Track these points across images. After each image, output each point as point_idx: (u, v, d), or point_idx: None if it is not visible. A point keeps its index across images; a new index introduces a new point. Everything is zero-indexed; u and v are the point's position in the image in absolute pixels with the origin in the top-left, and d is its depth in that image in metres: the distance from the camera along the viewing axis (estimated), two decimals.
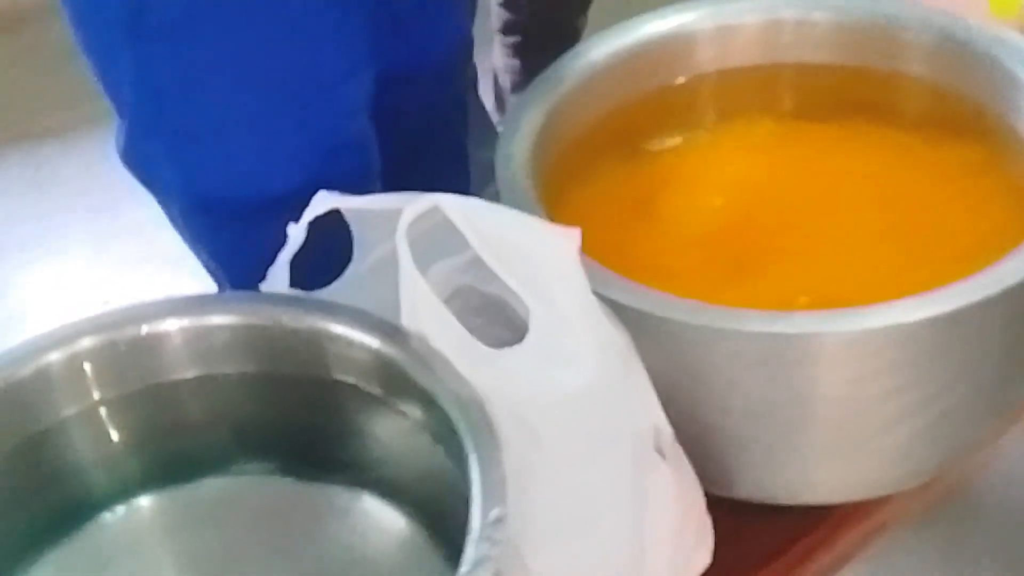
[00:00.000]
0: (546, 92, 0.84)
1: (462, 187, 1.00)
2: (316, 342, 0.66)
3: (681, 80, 0.89)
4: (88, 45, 0.83)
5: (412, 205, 0.65)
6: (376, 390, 0.66)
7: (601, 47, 0.86)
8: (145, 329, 0.66)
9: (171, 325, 0.66)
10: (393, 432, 0.67)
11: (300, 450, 0.70)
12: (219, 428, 0.69)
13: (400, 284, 0.65)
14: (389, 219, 0.73)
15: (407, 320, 0.67)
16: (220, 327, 0.67)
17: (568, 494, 0.65)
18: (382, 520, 0.69)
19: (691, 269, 0.79)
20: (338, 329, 0.66)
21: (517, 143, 0.80)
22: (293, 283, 0.75)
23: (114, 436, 0.67)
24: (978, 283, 0.69)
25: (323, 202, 0.74)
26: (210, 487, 0.68)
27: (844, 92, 0.88)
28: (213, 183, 0.83)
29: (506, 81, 1.94)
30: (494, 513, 0.56)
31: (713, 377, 0.71)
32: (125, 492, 0.68)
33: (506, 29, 1.85)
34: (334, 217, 0.76)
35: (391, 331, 0.66)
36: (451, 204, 0.65)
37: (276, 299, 0.70)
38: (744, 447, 0.74)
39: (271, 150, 0.83)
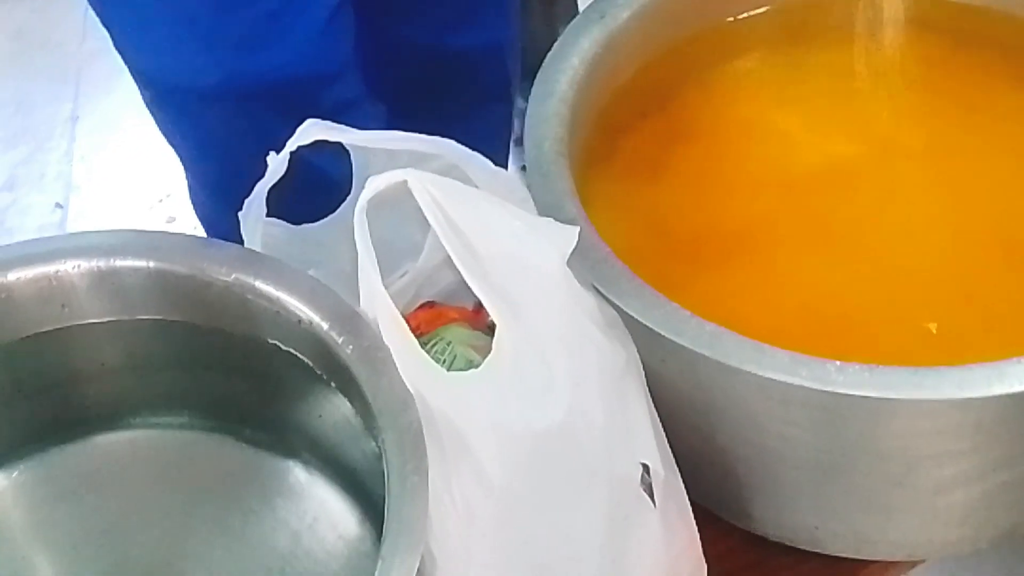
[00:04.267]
0: (586, 36, 0.69)
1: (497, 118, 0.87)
2: (252, 302, 0.57)
3: (742, 16, 0.73)
4: None
5: (376, 179, 0.54)
6: (311, 363, 0.58)
7: None
8: (47, 269, 0.58)
9: (74, 266, 0.58)
10: (327, 409, 0.60)
11: (227, 409, 0.63)
12: (130, 376, 0.61)
13: (359, 271, 0.55)
14: (390, 155, 0.63)
15: (365, 306, 0.57)
16: (135, 270, 0.58)
17: (525, 539, 0.55)
18: (309, 490, 0.62)
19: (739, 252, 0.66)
20: (275, 292, 0.57)
21: (549, 105, 0.67)
22: (283, 213, 0.66)
23: (6, 383, 0.60)
24: None
25: (309, 131, 0.63)
26: (116, 440, 0.62)
27: (964, 43, 0.71)
28: (150, 70, 0.79)
29: None
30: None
31: (748, 417, 0.60)
32: (22, 442, 0.62)
33: None
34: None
35: (340, 311, 0.56)
36: (422, 183, 0.53)
37: (221, 248, 0.60)
38: (774, 487, 0.63)
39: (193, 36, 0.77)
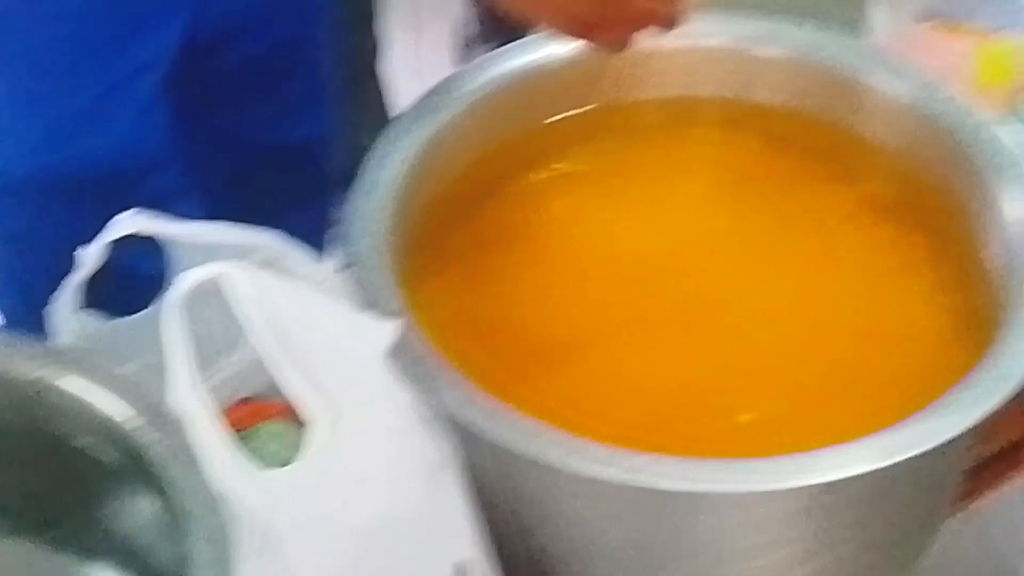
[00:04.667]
0: (411, 135, 0.70)
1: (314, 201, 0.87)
2: (48, 398, 0.55)
3: (565, 115, 0.75)
4: None
5: (188, 275, 0.53)
6: (119, 462, 0.56)
7: (480, 75, 0.72)
8: None
9: None
10: (134, 509, 0.58)
11: (29, 509, 0.59)
12: None
13: (167, 367, 0.54)
14: (208, 249, 0.62)
15: (175, 402, 0.55)
16: None
17: None
18: None
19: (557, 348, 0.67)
20: (78, 389, 0.55)
21: (373, 199, 0.67)
22: (100, 306, 0.65)
23: None
24: (868, 451, 0.57)
25: (123, 224, 0.62)
26: None
27: (775, 144, 0.75)
28: None
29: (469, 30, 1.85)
30: None
31: (564, 513, 0.60)
32: None
33: None
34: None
35: (150, 408, 0.55)
36: (234, 278, 0.53)
37: (26, 345, 0.58)
38: None
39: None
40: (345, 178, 0.69)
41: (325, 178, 0.88)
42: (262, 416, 0.67)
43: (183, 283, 0.52)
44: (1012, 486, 1.18)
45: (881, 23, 0.79)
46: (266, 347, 0.52)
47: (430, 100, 0.72)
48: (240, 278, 0.52)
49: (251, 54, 0.79)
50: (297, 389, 0.52)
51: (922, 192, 0.72)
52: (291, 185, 0.83)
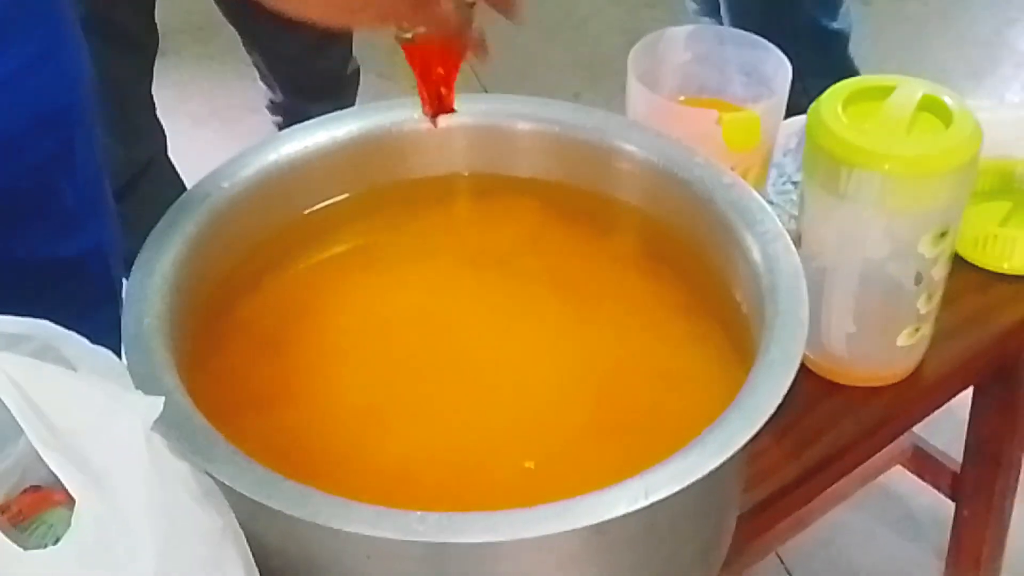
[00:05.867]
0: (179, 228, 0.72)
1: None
2: None
3: (329, 201, 0.78)
4: None
5: None
6: None
7: (238, 171, 0.75)
8: None
9: None
10: None
11: None
12: None
13: None
14: None
15: None
16: None
17: None
18: None
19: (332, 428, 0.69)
20: None
21: (148, 284, 0.68)
22: None
23: None
24: (629, 491, 0.59)
25: None
26: None
27: (538, 212, 0.79)
28: None
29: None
30: None
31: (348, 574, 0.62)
32: None
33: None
34: None
35: None
36: None
37: None
38: None
39: None
40: None
41: (112, 282, 0.88)
42: (48, 504, 0.67)
43: None
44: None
45: (635, 101, 0.85)
46: (33, 432, 0.53)
47: (199, 190, 0.74)
48: (6, 364, 0.54)
49: (9, 175, 0.78)
50: (63, 470, 0.53)
51: (678, 247, 0.77)
52: (75, 294, 0.82)
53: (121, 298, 0.91)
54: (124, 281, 0.89)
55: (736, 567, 0.80)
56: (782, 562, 1.46)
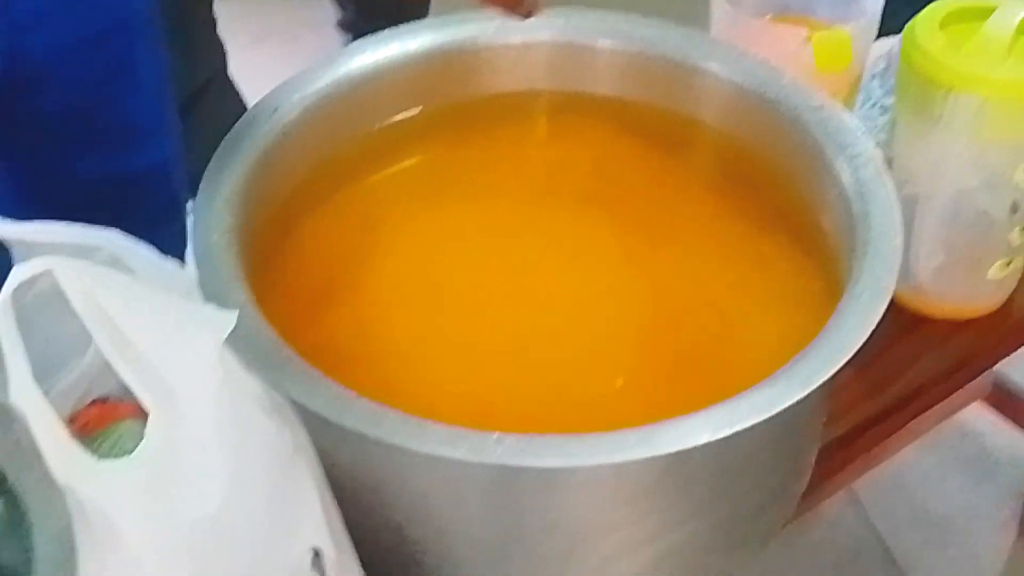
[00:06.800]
0: (247, 143, 0.70)
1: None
2: None
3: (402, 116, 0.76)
4: None
5: (20, 268, 0.53)
6: None
7: (308, 85, 0.73)
8: None
9: None
10: None
11: None
12: None
13: (6, 366, 0.53)
14: (51, 249, 0.61)
15: (15, 400, 0.55)
16: None
17: None
18: None
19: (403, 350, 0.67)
20: None
21: (217, 198, 0.67)
22: None
23: None
24: (708, 422, 0.57)
25: None
26: None
27: (614, 134, 0.76)
28: None
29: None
30: None
31: (418, 496, 0.60)
32: None
33: None
34: None
35: None
36: (69, 271, 0.52)
37: None
38: (452, 567, 0.63)
39: None
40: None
41: (177, 196, 0.87)
42: (115, 416, 0.66)
43: (13, 279, 0.52)
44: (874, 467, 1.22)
45: (719, 18, 0.81)
46: (103, 343, 0.52)
47: (267, 104, 0.72)
48: (73, 273, 0.52)
49: (71, 90, 0.78)
50: (134, 384, 0.52)
51: (763, 172, 0.74)
52: (139, 210, 0.81)
53: (185, 215, 0.90)
54: (186, 199, 0.89)
55: (809, 502, 0.78)
56: (858, 499, 1.43)
